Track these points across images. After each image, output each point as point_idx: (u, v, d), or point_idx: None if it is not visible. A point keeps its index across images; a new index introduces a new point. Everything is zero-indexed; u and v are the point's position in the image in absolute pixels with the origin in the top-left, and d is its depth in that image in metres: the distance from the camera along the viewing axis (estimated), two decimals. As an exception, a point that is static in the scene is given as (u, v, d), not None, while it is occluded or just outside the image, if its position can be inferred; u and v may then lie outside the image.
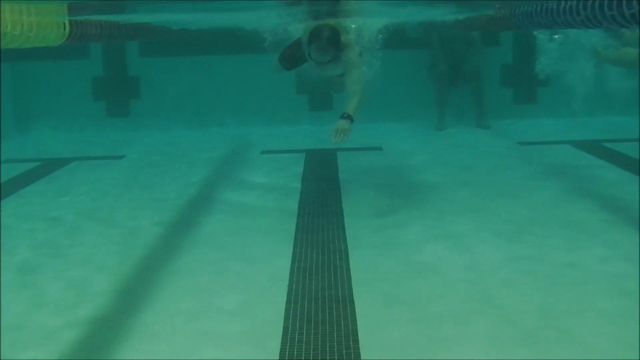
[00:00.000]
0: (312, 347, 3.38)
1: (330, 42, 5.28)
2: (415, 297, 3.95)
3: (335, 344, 3.39)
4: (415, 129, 9.92)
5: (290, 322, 3.66)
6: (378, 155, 8.26)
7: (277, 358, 3.28)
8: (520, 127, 9.87)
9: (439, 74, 9.97)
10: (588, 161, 7.53)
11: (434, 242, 4.91)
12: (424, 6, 6.22)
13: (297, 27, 6.20)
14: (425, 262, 4.54)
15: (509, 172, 7.12)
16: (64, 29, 4.40)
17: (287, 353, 3.32)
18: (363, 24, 6.49)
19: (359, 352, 3.30)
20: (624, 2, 3.07)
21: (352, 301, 3.90)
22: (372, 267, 4.47)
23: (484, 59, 10.18)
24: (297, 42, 5.96)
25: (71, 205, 6.29)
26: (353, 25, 6.18)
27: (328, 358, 3.26)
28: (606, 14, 3.25)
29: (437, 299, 3.92)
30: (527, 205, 5.84)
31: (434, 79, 10.10)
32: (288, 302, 3.93)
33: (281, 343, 3.42)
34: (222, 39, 9.28)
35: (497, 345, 3.35)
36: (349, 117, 5.38)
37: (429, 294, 4.01)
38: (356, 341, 3.41)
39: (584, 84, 9.99)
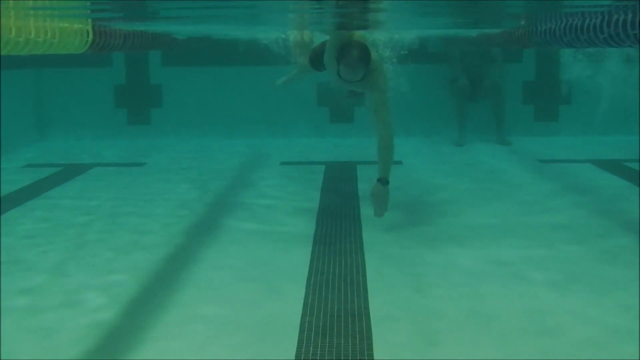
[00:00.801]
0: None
1: (361, 60, 5.15)
2: (429, 314, 3.94)
3: (350, 357, 3.39)
4: (435, 143, 9.89)
5: (305, 334, 3.65)
6: (397, 169, 8.20)
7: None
8: (541, 144, 9.80)
9: (459, 89, 9.95)
10: (610, 181, 7.43)
11: (449, 264, 4.84)
12: (449, 18, 6.18)
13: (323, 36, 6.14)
14: (440, 281, 4.48)
15: (530, 192, 6.91)
16: (87, 37, 4.44)
17: (301, 365, 3.33)
18: (388, 39, 6.48)
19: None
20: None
21: (367, 315, 3.89)
22: (389, 283, 4.44)
23: (505, 74, 10.15)
24: (321, 48, 5.85)
25: (87, 212, 6.33)
26: (380, 39, 6.14)
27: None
28: (629, 32, 3.23)
29: (447, 317, 3.91)
30: (549, 233, 5.52)
31: (454, 94, 10.08)
32: (304, 314, 3.92)
33: (295, 355, 3.41)
34: (245, 50, 9.33)
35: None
36: (386, 182, 5.43)
37: (442, 312, 3.99)
38: (371, 356, 3.40)
39: (606, 102, 9.94)
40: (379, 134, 5.51)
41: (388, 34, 6.94)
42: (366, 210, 6.16)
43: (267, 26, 6.85)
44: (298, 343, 3.54)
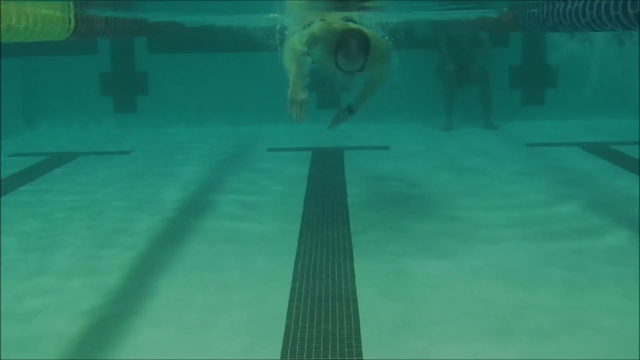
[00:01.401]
0: (314, 345, 3.38)
1: (361, 50, 5.02)
2: (416, 299, 3.96)
3: (338, 342, 3.40)
4: (422, 128, 9.90)
5: (292, 320, 3.66)
6: (384, 154, 8.24)
7: (279, 357, 3.28)
8: (528, 128, 9.83)
9: (447, 74, 9.95)
10: (597, 165, 7.44)
11: (437, 252, 4.81)
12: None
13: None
14: (426, 269, 4.44)
15: (518, 183, 6.68)
16: (69, 23, 4.41)
17: (288, 351, 3.33)
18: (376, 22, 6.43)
19: (361, 352, 3.30)
20: (629, 2, 3.05)
21: (355, 300, 3.90)
22: (375, 268, 4.45)
23: (492, 59, 10.16)
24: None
25: (69, 201, 6.29)
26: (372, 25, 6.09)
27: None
28: (611, 14, 3.24)
29: (434, 303, 3.93)
30: (542, 227, 5.29)
31: (441, 79, 10.09)
32: (291, 300, 3.93)
33: (283, 341, 3.42)
34: (231, 37, 9.29)
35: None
36: (353, 111, 5.97)
37: (429, 296, 4.01)
38: (358, 340, 3.41)
39: (592, 86, 9.98)
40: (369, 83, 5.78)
41: (377, 17, 6.89)
42: (354, 199, 6.17)
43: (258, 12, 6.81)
44: (285, 328, 3.56)
